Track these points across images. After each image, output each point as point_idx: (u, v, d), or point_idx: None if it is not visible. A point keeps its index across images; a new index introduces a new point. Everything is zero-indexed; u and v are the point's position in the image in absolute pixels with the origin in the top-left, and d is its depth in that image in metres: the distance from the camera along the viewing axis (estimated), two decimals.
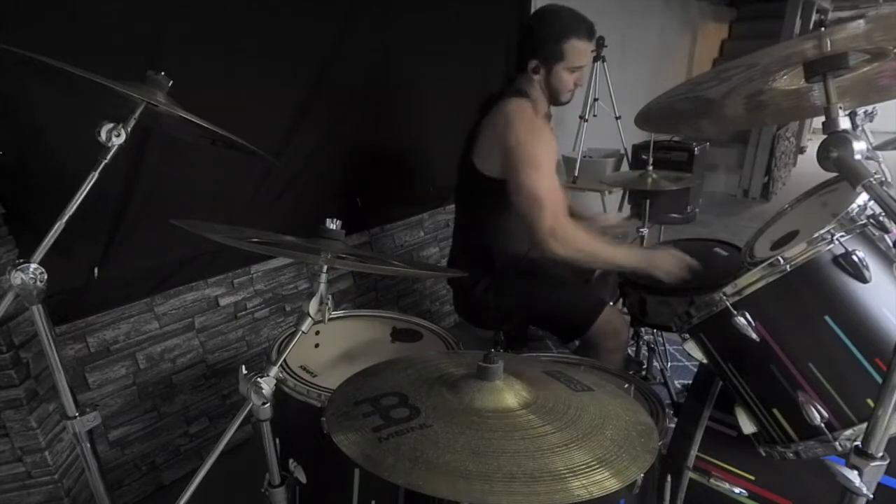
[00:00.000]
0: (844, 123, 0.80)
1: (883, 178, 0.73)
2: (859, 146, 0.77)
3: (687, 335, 1.03)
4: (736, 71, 0.83)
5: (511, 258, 1.72)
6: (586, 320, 1.65)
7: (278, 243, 1.06)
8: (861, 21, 0.68)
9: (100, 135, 0.97)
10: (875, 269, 0.84)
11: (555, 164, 1.57)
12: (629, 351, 2.16)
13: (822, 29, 0.71)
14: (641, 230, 2.44)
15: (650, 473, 0.75)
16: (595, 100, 3.49)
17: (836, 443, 0.85)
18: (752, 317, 0.90)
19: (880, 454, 0.72)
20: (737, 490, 1.05)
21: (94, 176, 0.98)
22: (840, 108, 0.80)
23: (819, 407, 0.86)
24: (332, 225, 1.02)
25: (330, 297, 0.98)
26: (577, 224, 1.55)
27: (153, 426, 1.88)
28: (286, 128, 1.99)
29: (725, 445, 1.08)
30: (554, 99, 1.70)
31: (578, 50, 1.60)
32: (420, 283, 2.80)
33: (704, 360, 1.01)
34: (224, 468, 1.17)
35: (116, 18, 1.52)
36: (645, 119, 1.04)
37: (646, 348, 2.18)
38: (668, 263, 1.52)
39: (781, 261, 0.87)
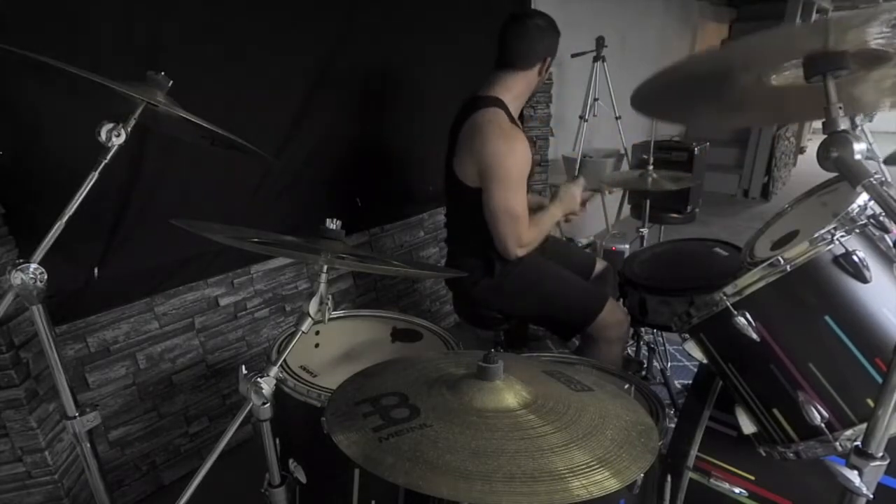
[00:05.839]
0: (844, 123, 0.79)
1: (883, 178, 0.73)
2: (859, 146, 0.77)
3: (687, 335, 1.03)
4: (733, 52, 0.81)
5: (509, 260, 1.72)
6: (591, 314, 1.67)
7: (278, 243, 1.06)
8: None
9: (100, 135, 0.97)
10: (875, 269, 0.84)
11: (526, 172, 1.60)
12: (629, 351, 2.16)
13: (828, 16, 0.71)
14: (641, 230, 2.44)
15: (650, 473, 0.75)
16: (595, 100, 3.49)
17: (837, 443, 0.86)
18: (752, 317, 0.90)
19: (880, 454, 0.72)
20: (737, 490, 1.05)
21: (94, 176, 0.98)
22: (840, 108, 0.79)
23: (819, 407, 0.86)
24: (332, 225, 1.03)
25: (330, 297, 0.98)
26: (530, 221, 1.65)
27: (153, 426, 1.88)
28: (286, 127, 1.99)
29: (725, 445, 1.08)
30: (530, 97, 1.78)
31: None
32: (420, 283, 2.80)
33: (704, 360, 1.01)
34: (224, 468, 1.18)
35: (116, 18, 1.52)
36: (641, 101, 1.01)
37: (646, 348, 2.18)
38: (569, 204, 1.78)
39: (782, 261, 0.87)
